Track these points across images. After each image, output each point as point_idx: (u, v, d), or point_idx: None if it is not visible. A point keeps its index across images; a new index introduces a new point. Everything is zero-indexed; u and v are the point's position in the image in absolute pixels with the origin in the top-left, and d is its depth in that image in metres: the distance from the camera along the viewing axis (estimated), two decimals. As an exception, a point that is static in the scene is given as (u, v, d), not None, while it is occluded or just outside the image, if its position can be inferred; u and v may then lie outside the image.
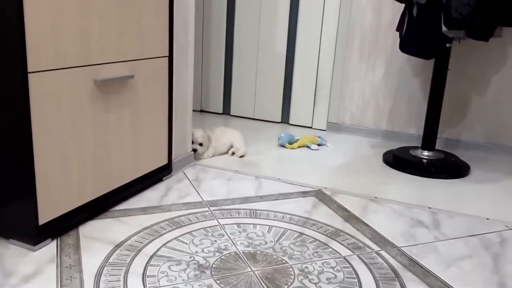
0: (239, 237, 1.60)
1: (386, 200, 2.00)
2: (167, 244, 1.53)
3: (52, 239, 1.51)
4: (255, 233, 1.64)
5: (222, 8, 3.22)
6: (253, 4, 3.12)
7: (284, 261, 1.47)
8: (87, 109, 1.55)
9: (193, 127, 2.34)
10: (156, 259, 1.44)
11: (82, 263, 1.39)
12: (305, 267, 1.44)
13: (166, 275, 1.35)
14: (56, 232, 1.52)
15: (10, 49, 1.29)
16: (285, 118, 3.24)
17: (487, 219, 1.87)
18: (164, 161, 2.04)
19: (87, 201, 1.63)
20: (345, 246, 1.59)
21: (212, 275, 1.37)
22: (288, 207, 1.87)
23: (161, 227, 1.64)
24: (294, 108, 3.18)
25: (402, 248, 1.60)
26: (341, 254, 1.53)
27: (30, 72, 1.32)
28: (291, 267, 1.44)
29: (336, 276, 1.40)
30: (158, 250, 1.49)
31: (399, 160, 2.48)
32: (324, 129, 3.11)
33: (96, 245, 1.50)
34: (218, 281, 1.34)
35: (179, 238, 1.58)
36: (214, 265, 1.42)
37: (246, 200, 1.92)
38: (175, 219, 1.71)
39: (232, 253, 1.50)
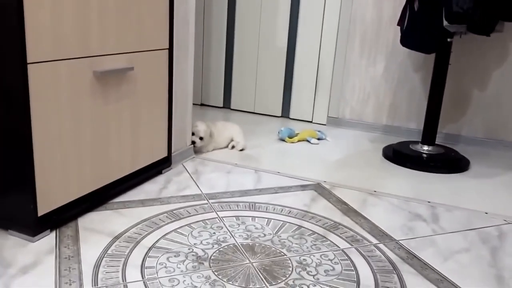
0: (238, 230, 1.61)
1: (385, 194, 2.00)
2: (166, 236, 1.53)
3: (51, 231, 1.51)
4: (254, 226, 1.64)
5: (223, 1, 3.21)
6: (254, -2, 3.11)
7: (282, 253, 1.47)
8: (87, 100, 1.55)
9: (193, 120, 2.33)
10: (155, 250, 1.44)
11: (81, 254, 1.40)
12: (303, 259, 1.45)
13: (165, 267, 1.36)
14: (55, 223, 1.52)
15: (10, 40, 1.29)
16: (285, 112, 3.23)
17: (486, 213, 1.88)
18: (164, 154, 2.05)
19: (86, 193, 1.63)
20: (343, 239, 1.59)
21: (210, 267, 1.37)
22: (287, 200, 1.87)
23: (160, 219, 1.65)
24: (294, 102, 3.18)
25: (400, 241, 1.60)
26: (339, 247, 1.54)
27: (29, 63, 1.32)
28: (289, 259, 1.44)
29: (334, 269, 1.41)
30: (156, 242, 1.49)
31: (399, 155, 2.48)
32: (324, 123, 3.11)
33: (95, 237, 1.50)
34: (216, 273, 1.34)
35: (178, 230, 1.58)
36: (212, 257, 1.43)
37: (245, 193, 1.93)
38: (174, 212, 1.71)
39: (231, 245, 1.51)
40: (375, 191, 2.03)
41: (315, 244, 1.54)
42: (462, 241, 1.63)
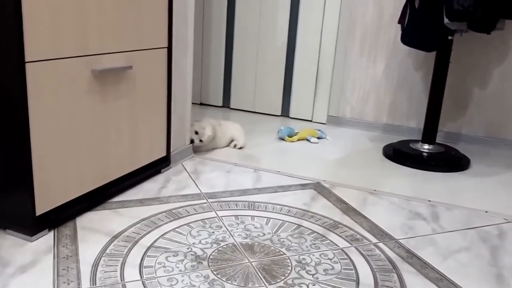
0: (237, 229, 1.60)
1: (385, 193, 1.99)
2: (165, 236, 1.53)
3: (49, 230, 1.51)
4: (253, 225, 1.64)
5: (222, 0, 3.20)
6: (253, -3, 3.10)
7: (281, 253, 1.47)
8: (85, 99, 1.55)
9: (192, 120, 2.33)
10: (153, 250, 1.44)
11: (79, 254, 1.39)
12: (303, 258, 1.44)
13: (163, 266, 1.35)
14: (53, 223, 1.52)
15: (7, 38, 1.28)
16: (285, 111, 3.22)
17: (486, 212, 1.87)
18: (163, 153, 2.04)
19: (84, 192, 1.62)
20: (343, 238, 1.58)
21: (209, 266, 1.37)
22: (286, 200, 1.87)
23: (158, 219, 1.64)
24: (294, 101, 3.17)
25: (400, 240, 1.59)
26: (338, 246, 1.53)
27: (27, 62, 1.31)
28: (289, 259, 1.44)
29: (333, 268, 1.40)
30: (155, 241, 1.49)
31: (399, 153, 2.47)
32: (324, 122, 3.10)
33: (93, 236, 1.50)
34: (215, 272, 1.34)
35: (176, 229, 1.57)
36: (211, 256, 1.42)
37: (244, 192, 1.92)
38: (173, 211, 1.71)
39: (230, 244, 1.50)
40: (375, 190, 2.02)
41: (314, 243, 1.54)
42: (462, 240, 1.63)
